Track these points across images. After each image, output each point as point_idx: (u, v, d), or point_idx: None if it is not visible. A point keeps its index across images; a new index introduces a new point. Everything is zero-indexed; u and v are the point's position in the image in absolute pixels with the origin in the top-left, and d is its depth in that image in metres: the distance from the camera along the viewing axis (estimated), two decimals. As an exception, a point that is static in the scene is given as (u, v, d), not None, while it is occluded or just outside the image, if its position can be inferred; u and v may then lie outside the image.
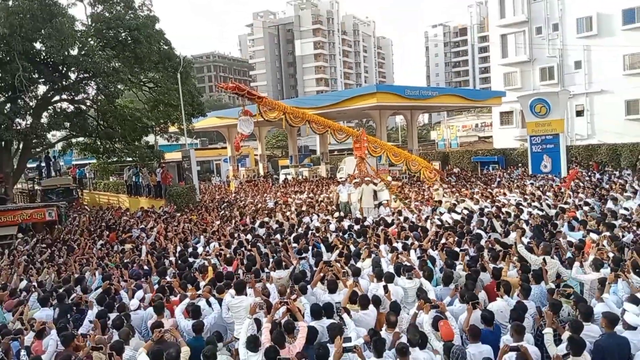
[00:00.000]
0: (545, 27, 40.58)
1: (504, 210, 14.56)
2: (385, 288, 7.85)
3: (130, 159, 27.11)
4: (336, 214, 16.90)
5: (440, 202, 17.32)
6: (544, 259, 8.46)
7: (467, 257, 9.37)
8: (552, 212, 13.86)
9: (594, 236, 10.09)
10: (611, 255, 8.71)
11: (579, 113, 39.10)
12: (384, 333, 6.33)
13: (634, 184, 19.27)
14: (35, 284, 10.52)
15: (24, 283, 10.89)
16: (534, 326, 6.83)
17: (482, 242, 10.52)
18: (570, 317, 6.63)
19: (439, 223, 13.22)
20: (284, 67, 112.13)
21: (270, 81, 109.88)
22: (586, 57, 38.29)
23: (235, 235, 13.97)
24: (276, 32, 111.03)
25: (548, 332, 5.97)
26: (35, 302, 9.21)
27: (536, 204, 15.24)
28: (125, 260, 12.35)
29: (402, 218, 14.67)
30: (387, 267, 9.12)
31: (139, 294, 8.85)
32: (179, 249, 12.94)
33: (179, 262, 11.40)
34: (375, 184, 18.64)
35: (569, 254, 9.47)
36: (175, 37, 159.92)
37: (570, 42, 39.06)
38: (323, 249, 11.12)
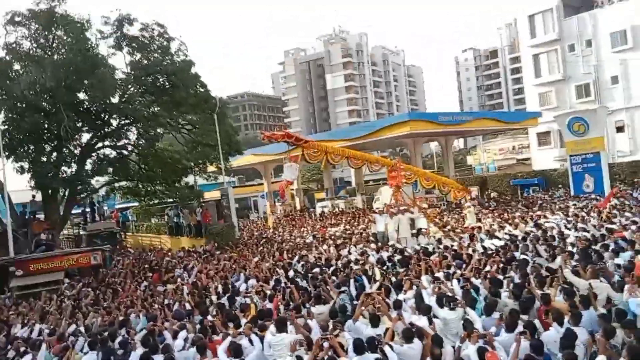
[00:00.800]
0: (578, 43, 40.06)
1: (548, 234, 14.14)
2: (430, 320, 7.71)
3: (171, 199, 27.70)
4: (372, 245, 16.76)
5: (479, 227, 16.99)
6: (590, 284, 8.13)
7: (511, 285, 9.11)
8: (598, 233, 13.38)
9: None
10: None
11: (620, 129, 38.04)
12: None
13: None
14: (82, 328, 10.74)
15: (72, 327, 11.14)
16: (586, 354, 6.55)
17: (528, 269, 10.22)
18: (625, 341, 6.35)
19: (481, 250, 12.94)
20: (316, 101, 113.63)
21: (303, 116, 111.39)
22: (623, 71, 37.47)
23: (274, 271, 13.99)
24: (307, 68, 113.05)
25: (602, 359, 5.72)
26: (82, 346, 9.41)
27: (581, 225, 14.77)
28: (167, 301, 12.50)
29: (442, 246, 14.43)
30: (429, 298, 8.96)
31: (183, 334, 8.93)
32: (220, 287, 13.02)
33: (220, 301, 11.48)
34: (412, 212, 18.46)
35: (617, 277, 9.09)
36: (211, 79, 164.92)
37: (606, 57, 38.35)
38: (365, 281, 11.02)
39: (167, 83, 24.07)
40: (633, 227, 13.11)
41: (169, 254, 22.72)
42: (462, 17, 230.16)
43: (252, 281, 13.29)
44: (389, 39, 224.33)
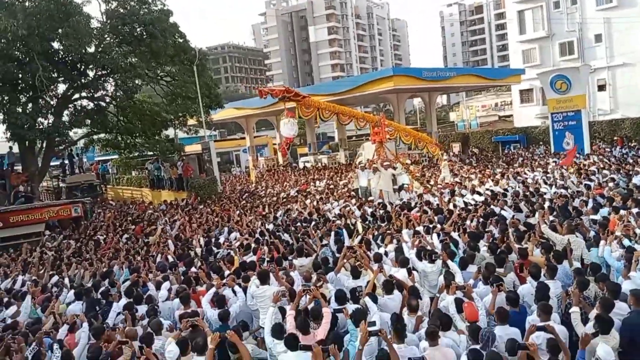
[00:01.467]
0: (563, 1, 39.65)
1: (528, 190, 14.39)
2: (409, 271, 7.89)
3: (151, 153, 27.42)
4: (354, 200, 16.91)
5: (459, 182, 17.21)
6: (568, 240, 8.34)
7: (491, 239, 9.31)
8: (577, 189, 13.65)
9: (622, 212, 9.89)
10: (638, 231, 8.57)
11: (601, 88, 38.26)
12: (406, 317, 6.37)
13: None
14: (66, 280, 10.78)
15: (54, 279, 11.17)
16: (560, 306, 6.79)
17: (507, 223, 10.43)
18: (597, 295, 6.58)
19: (462, 205, 13.14)
20: (299, 55, 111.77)
21: (286, 69, 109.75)
22: (607, 30, 37.35)
23: (257, 224, 14.10)
24: (289, 20, 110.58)
25: (575, 311, 5.92)
26: (66, 297, 9.47)
27: (560, 182, 15.04)
28: (152, 253, 12.57)
29: (423, 201, 14.61)
30: (409, 251, 9.12)
31: (166, 284, 9.02)
32: (202, 240, 13.11)
33: (204, 252, 11.59)
34: (395, 168, 18.56)
35: (592, 232, 9.34)
36: (190, 30, 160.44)
37: (590, 15, 38.11)
38: (345, 235, 11.16)
39: (144, 33, 23.36)
40: (611, 184, 13.39)
41: (151, 206, 22.67)
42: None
43: (235, 234, 13.39)
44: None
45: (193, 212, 19.40)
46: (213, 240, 13.03)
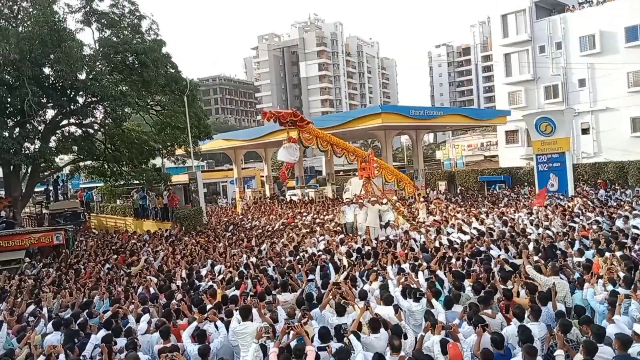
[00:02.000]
0: (548, 45, 40.84)
1: (514, 230, 14.47)
2: (396, 308, 7.81)
3: (138, 181, 27.24)
4: (341, 235, 16.87)
5: (446, 221, 17.26)
6: (554, 283, 8.34)
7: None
8: (561, 231, 13.76)
9: (606, 255, 9.96)
10: (622, 275, 8.61)
11: (585, 131, 39.07)
12: (388, 357, 6.27)
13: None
14: (45, 310, 10.50)
15: (31, 308, 10.87)
16: (543, 348, 6.74)
17: (492, 263, 10.44)
18: (579, 339, 6.56)
19: (447, 244, 13.15)
20: (289, 89, 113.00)
21: (276, 103, 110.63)
22: (590, 75, 38.42)
23: (242, 257, 13.95)
24: (281, 55, 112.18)
25: (560, 354, 5.89)
26: (44, 328, 9.21)
27: (545, 223, 15.15)
28: (133, 284, 12.34)
29: (409, 239, 14.60)
30: (395, 289, 9.06)
31: (146, 317, 8.82)
32: (185, 272, 12.92)
33: (186, 285, 11.40)
34: (382, 204, 18.60)
35: (577, 274, 9.38)
36: (182, 61, 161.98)
37: (574, 60, 39.24)
38: (332, 270, 11.08)
39: (136, 62, 23.53)
40: (595, 227, 13.51)
41: (135, 236, 22.39)
42: (437, 13, 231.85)
43: (219, 267, 13.23)
44: (364, 30, 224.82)
45: (177, 243, 19.16)
46: (195, 272, 12.85)
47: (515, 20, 42.58)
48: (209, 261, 14.21)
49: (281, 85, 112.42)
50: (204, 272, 12.96)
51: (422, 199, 21.87)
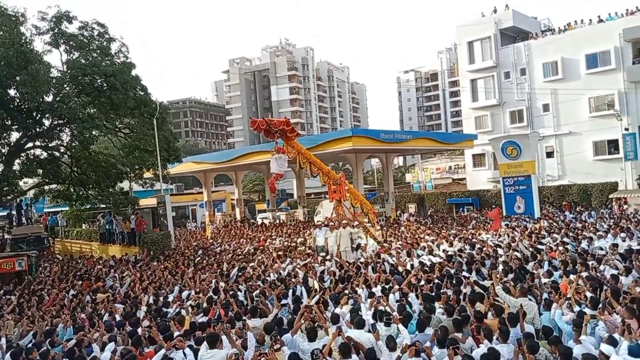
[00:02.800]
0: (513, 71, 42.14)
1: (482, 252, 14.64)
2: (374, 327, 7.77)
3: (104, 205, 26.66)
4: (312, 258, 16.77)
5: (417, 243, 17.37)
6: (521, 304, 8.42)
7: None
8: (528, 252, 13.98)
9: (572, 277, 10.15)
10: (589, 295, 8.77)
11: (549, 154, 40.19)
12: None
13: (605, 223, 19.64)
14: (3, 340, 10.06)
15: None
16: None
17: (462, 285, 10.51)
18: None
19: (418, 266, 13.21)
20: (260, 112, 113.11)
21: (247, 125, 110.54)
22: (554, 100, 39.71)
23: (212, 283, 13.71)
24: (252, 78, 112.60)
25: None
26: (3, 359, 8.82)
27: (513, 244, 15.39)
28: (99, 311, 11.97)
29: (380, 261, 14.62)
30: (366, 312, 9.02)
31: (111, 346, 8.55)
32: (152, 298, 12.61)
33: (153, 311, 11.11)
34: (353, 227, 18.64)
35: (545, 295, 9.52)
36: (152, 84, 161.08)
37: (538, 86, 40.55)
38: (304, 293, 10.98)
39: (105, 84, 23.22)
40: (561, 248, 13.79)
41: (100, 262, 21.82)
42: (405, 40, 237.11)
43: (187, 292, 12.96)
44: (334, 55, 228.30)
45: (144, 268, 18.74)
46: (162, 298, 12.56)
47: (481, 47, 43.88)
48: (176, 287, 13.91)
49: (252, 108, 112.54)
50: (171, 298, 12.68)
51: (377, 228, 22.06)
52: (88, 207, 27.63)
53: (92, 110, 23.49)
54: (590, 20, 39.87)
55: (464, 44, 45.13)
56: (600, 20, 38.96)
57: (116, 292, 14.51)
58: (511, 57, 42.18)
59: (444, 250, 15.70)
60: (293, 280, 12.64)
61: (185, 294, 12.97)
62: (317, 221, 27.72)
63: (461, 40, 45.71)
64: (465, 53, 45.07)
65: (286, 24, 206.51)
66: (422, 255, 15.20)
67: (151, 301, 12.22)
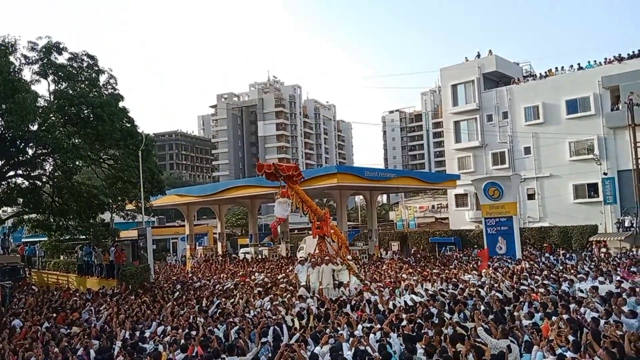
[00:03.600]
0: (495, 114, 43.08)
1: (464, 292, 14.63)
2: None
3: (84, 236, 26.25)
4: (293, 295, 16.57)
5: (399, 282, 17.31)
6: (508, 345, 8.40)
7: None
8: (510, 294, 14.01)
9: (554, 319, 10.18)
10: (571, 338, 8.79)
11: (531, 196, 40.73)
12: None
13: (585, 266, 19.82)
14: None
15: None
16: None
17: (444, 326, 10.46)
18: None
19: (400, 305, 13.14)
20: (247, 147, 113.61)
21: (232, 160, 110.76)
22: (535, 143, 40.53)
23: (190, 318, 13.47)
24: (239, 113, 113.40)
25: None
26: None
27: (495, 285, 15.42)
28: (74, 345, 11.64)
29: (362, 299, 14.52)
30: (347, 352, 8.91)
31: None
32: (128, 333, 12.32)
33: (128, 347, 10.83)
34: (336, 264, 18.55)
35: (526, 337, 9.51)
36: (139, 116, 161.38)
37: (520, 129, 41.43)
38: (285, 331, 10.83)
39: (92, 115, 23.18)
40: (542, 290, 13.85)
41: (77, 294, 21.33)
42: (392, 80, 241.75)
43: (163, 328, 12.70)
44: (321, 94, 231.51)
45: (122, 302, 18.34)
46: (138, 333, 12.28)
47: (465, 90, 44.92)
48: (154, 323, 13.62)
49: (238, 142, 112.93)
50: (148, 333, 12.41)
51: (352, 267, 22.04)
52: (67, 237, 27.18)
53: (77, 141, 23.39)
54: (571, 66, 41.23)
55: (448, 87, 46.17)
56: (580, 68, 40.25)
57: (92, 325, 14.15)
58: (494, 101, 43.20)
59: (426, 290, 15.66)
60: (273, 317, 12.47)
61: (160, 329, 12.71)
62: (300, 257, 27.56)
63: (445, 83, 46.78)
64: (449, 95, 46.05)
65: (275, 63, 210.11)
66: (405, 294, 15.14)
67: (127, 336, 11.94)
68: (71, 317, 15.61)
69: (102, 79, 24.67)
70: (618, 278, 15.07)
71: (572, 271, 17.78)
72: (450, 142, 46.35)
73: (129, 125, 24.93)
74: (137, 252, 25.45)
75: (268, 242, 44.61)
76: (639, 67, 35.90)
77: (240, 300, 16.18)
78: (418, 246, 38.30)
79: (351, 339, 9.75)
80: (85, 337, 12.47)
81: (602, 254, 26.26)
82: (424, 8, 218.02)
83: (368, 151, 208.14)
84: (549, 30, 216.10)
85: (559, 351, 8.28)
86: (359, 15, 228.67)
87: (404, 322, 11.09)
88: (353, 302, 14.30)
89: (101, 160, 25.62)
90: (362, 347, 8.86)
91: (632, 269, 17.69)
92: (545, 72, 43.09)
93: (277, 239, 35.52)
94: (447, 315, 11.71)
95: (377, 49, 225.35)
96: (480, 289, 15.03)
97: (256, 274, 24.11)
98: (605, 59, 39.17)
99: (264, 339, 10.32)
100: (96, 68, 24.35)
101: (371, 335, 9.93)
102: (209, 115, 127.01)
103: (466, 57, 46.03)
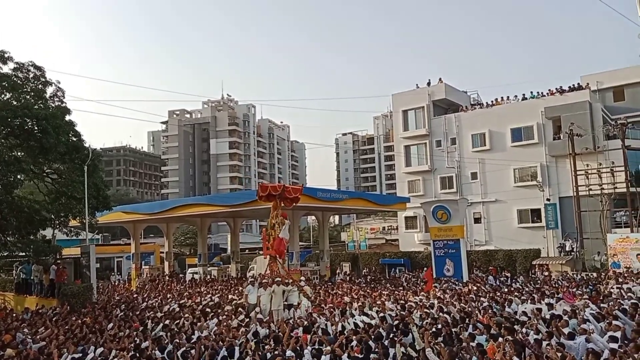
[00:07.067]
0: (444, 140, 44.38)
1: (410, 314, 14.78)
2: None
3: (23, 253, 25.01)
4: (241, 317, 16.28)
5: (350, 303, 17.32)
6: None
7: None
8: (458, 316, 14.25)
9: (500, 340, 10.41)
10: (515, 359, 9.00)
11: (477, 220, 41.95)
12: None
13: (528, 288, 20.43)
14: None
15: None
16: None
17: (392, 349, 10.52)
18: None
19: (351, 327, 13.13)
20: (198, 164, 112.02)
21: (183, 177, 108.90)
22: (481, 169, 41.93)
23: (134, 341, 12.98)
24: (191, 130, 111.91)
25: None
26: None
27: (443, 307, 15.66)
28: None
29: (313, 321, 14.42)
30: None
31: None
32: (69, 357, 11.74)
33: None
34: (287, 284, 18.39)
35: (474, 358, 9.68)
36: (87, 130, 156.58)
37: (467, 155, 42.80)
38: (237, 353, 10.62)
39: (36, 128, 22.32)
40: (489, 312, 14.16)
41: (13, 314, 20.21)
42: (343, 105, 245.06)
43: (102, 350, 12.19)
44: (275, 114, 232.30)
45: (62, 322, 17.48)
46: (78, 356, 11.72)
47: (415, 116, 46.14)
48: (92, 347, 13.03)
49: (190, 160, 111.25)
50: (90, 355, 11.86)
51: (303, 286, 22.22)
52: (5, 254, 25.82)
53: (19, 154, 22.42)
54: (516, 96, 43.09)
55: (399, 112, 47.29)
56: (524, 98, 42.12)
57: (27, 347, 13.39)
58: (442, 127, 44.53)
59: (377, 311, 15.73)
60: (227, 339, 12.19)
61: (99, 351, 12.19)
62: (250, 277, 27.18)
63: (397, 109, 47.91)
64: (400, 120, 47.15)
65: (228, 82, 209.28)
66: (355, 315, 15.15)
67: (69, 359, 11.39)
68: (4, 338, 14.73)
69: (49, 91, 23.85)
70: (561, 301, 15.61)
71: (516, 293, 18.29)
72: (401, 166, 47.31)
73: (75, 139, 24.10)
74: (79, 271, 24.46)
75: (217, 261, 43.86)
76: (579, 99, 37.96)
77: (185, 322, 15.75)
78: (369, 267, 38.54)
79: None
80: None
81: (545, 277, 27.18)
82: (379, 35, 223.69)
83: (321, 172, 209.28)
84: (496, 60, 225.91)
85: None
86: (317, 38, 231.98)
87: (354, 343, 11.08)
88: (305, 323, 14.17)
89: (44, 174, 24.58)
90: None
91: (574, 291, 18.34)
92: (492, 101, 44.90)
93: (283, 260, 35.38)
94: (396, 337, 11.75)
95: (333, 71, 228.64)
96: (430, 310, 15.22)
97: (204, 294, 23.56)
98: (549, 90, 41.18)
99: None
100: (43, 79, 23.51)
101: (322, 358, 9.87)
102: (160, 131, 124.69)
103: (417, 84, 47.44)
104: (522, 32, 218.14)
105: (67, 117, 23.78)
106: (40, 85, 23.37)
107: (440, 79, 46.48)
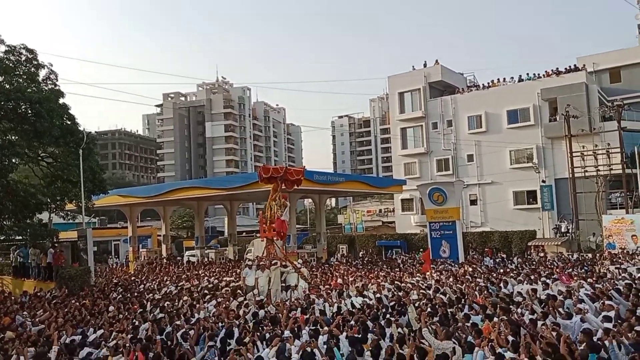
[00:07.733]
0: (440, 122, 44.29)
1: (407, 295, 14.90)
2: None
3: (20, 237, 25.00)
4: (240, 299, 16.40)
5: (347, 284, 17.45)
6: (454, 347, 8.62)
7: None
8: (454, 296, 14.38)
9: (495, 319, 10.53)
10: (510, 339, 9.11)
11: (473, 202, 42.09)
12: None
13: (524, 269, 20.60)
14: None
15: None
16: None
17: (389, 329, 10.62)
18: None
19: (348, 308, 13.24)
20: (194, 148, 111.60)
21: (179, 160, 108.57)
22: (477, 151, 41.94)
23: (134, 323, 13.07)
24: (187, 114, 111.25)
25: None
26: None
27: (440, 287, 15.79)
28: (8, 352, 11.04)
29: (311, 302, 14.53)
30: (295, 355, 8.90)
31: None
32: (68, 339, 11.81)
33: (67, 353, 10.40)
34: (284, 267, 18.49)
35: (469, 338, 9.79)
36: (81, 113, 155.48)
37: (463, 137, 42.77)
38: (236, 334, 10.72)
39: (30, 111, 22.13)
40: (484, 292, 14.30)
41: (12, 297, 20.30)
42: (341, 87, 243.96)
43: (100, 332, 12.26)
44: (271, 97, 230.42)
45: (60, 305, 17.57)
46: (77, 338, 11.79)
47: (411, 98, 45.96)
48: (91, 329, 13.11)
49: (185, 143, 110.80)
50: (91, 337, 11.92)
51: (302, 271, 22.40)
52: (2, 238, 25.81)
53: (13, 137, 22.27)
54: (512, 78, 42.95)
55: (395, 95, 47.08)
56: (521, 79, 41.96)
57: (27, 330, 13.47)
58: (439, 109, 44.41)
59: (373, 292, 15.85)
60: (226, 321, 12.28)
61: (98, 333, 12.27)
62: (248, 260, 27.29)
63: (393, 91, 47.69)
64: (396, 103, 46.97)
65: (224, 64, 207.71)
66: (352, 296, 15.27)
67: (68, 341, 11.45)
68: (4, 321, 14.81)
69: (42, 73, 23.60)
70: (556, 282, 15.76)
71: (512, 274, 18.44)
72: (397, 148, 47.29)
73: (69, 122, 23.92)
74: (76, 254, 24.52)
75: (215, 244, 43.98)
76: (575, 80, 37.85)
77: (184, 304, 15.85)
78: (365, 249, 38.75)
79: (296, 341, 9.73)
80: (21, 343, 11.86)
81: (541, 258, 27.39)
82: (375, 17, 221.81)
83: (317, 155, 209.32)
84: (494, 42, 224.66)
85: (498, 351, 8.57)
86: (312, 22, 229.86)
87: (352, 323, 11.19)
88: (302, 304, 14.28)
89: (39, 158, 24.47)
90: (308, 349, 8.88)
91: (570, 271, 18.49)
92: (488, 83, 44.71)
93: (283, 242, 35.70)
94: (393, 317, 11.88)
95: (329, 54, 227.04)
96: (427, 291, 15.36)
97: (202, 277, 23.68)
98: (545, 71, 41.01)
99: (210, 343, 10.15)
100: (35, 62, 23.23)
101: (320, 338, 9.96)
102: (155, 114, 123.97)
103: (413, 66, 47.17)
104: (517, 13, 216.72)
105: (61, 100, 23.58)
106: (32, 68, 23.11)
107: (436, 61, 46.25)
